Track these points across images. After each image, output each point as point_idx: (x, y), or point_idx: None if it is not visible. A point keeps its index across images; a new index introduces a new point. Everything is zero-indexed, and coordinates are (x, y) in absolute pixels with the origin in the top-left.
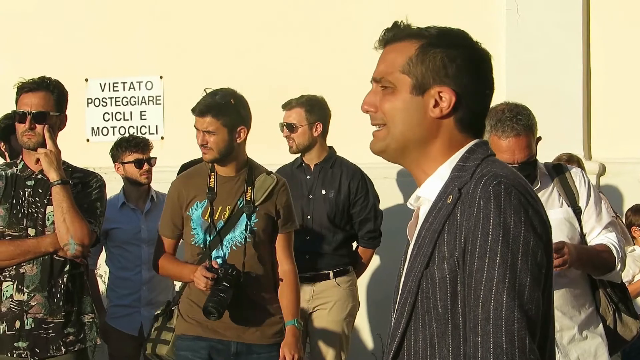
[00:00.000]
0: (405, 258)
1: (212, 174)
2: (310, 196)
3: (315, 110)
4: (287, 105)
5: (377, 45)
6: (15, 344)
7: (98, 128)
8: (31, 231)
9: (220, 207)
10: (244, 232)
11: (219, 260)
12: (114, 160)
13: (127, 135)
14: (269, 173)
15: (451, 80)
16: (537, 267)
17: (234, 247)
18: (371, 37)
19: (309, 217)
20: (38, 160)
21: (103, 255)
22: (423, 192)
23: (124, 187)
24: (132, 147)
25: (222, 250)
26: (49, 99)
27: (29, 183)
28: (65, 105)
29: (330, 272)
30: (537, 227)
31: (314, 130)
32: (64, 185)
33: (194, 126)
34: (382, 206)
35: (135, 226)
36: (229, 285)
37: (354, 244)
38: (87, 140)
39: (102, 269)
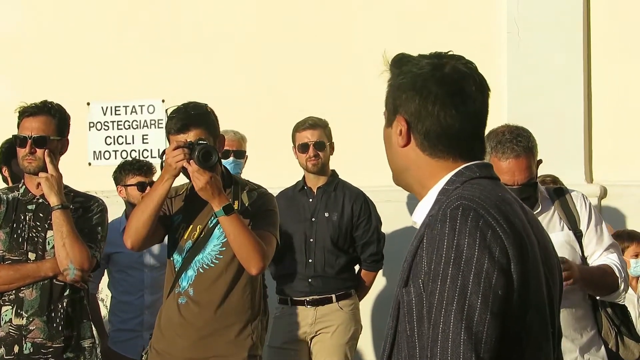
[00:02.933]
0: None
1: (184, 191)
2: (313, 219)
3: (329, 131)
4: (306, 124)
5: None
6: None
7: (100, 152)
8: (31, 255)
9: (191, 227)
10: (212, 252)
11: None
12: (117, 183)
13: (130, 158)
14: (251, 190)
15: (402, 108)
16: (490, 290)
17: (200, 270)
18: (375, 61)
19: (311, 240)
20: (39, 184)
21: (105, 280)
22: (415, 217)
23: (125, 210)
24: (135, 170)
25: (189, 273)
26: (49, 123)
27: (30, 207)
28: (67, 130)
29: (333, 295)
30: (494, 250)
31: (332, 150)
32: (64, 209)
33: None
34: (385, 229)
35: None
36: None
37: (357, 267)
38: (89, 163)
39: (104, 293)
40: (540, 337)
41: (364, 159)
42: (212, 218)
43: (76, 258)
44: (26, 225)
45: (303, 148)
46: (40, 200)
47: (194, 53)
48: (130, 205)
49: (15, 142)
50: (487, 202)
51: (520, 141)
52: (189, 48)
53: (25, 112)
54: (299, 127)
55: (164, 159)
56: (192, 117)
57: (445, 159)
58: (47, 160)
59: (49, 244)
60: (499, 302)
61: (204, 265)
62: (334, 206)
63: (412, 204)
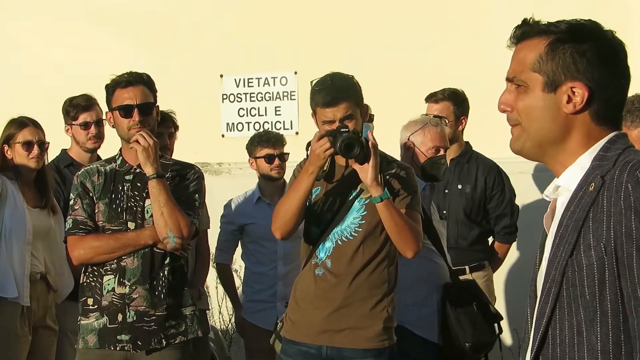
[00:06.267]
0: (542, 250)
1: (327, 160)
2: (446, 191)
3: (461, 104)
4: (433, 98)
5: (509, 44)
6: (118, 336)
7: (233, 124)
8: (131, 225)
9: (331, 199)
10: (352, 225)
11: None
12: (249, 155)
13: (262, 130)
14: (389, 162)
15: (582, 75)
16: None
17: (339, 242)
18: (506, 31)
19: (444, 211)
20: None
21: (239, 251)
22: (562, 182)
23: (259, 182)
24: (264, 142)
25: (327, 244)
26: (147, 92)
27: (127, 177)
28: (156, 98)
29: (467, 267)
30: None
31: (460, 124)
32: (160, 179)
33: (322, 121)
34: (519, 201)
35: (271, 221)
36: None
37: (490, 239)
38: (223, 135)
39: (237, 264)
40: None
41: (498, 130)
42: (353, 191)
43: (175, 226)
44: (124, 196)
45: None
46: (138, 170)
47: (326, 25)
48: (262, 177)
49: (119, 112)
50: None
51: None
52: (322, 19)
53: (121, 83)
54: (427, 99)
55: (309, 151)
56: (340, 91)
57: (608, 127)
58: (146, 130)
59: (147, 213)
60: None
61: (343, 238)
62: (467, 178)
63: (545, 176)
